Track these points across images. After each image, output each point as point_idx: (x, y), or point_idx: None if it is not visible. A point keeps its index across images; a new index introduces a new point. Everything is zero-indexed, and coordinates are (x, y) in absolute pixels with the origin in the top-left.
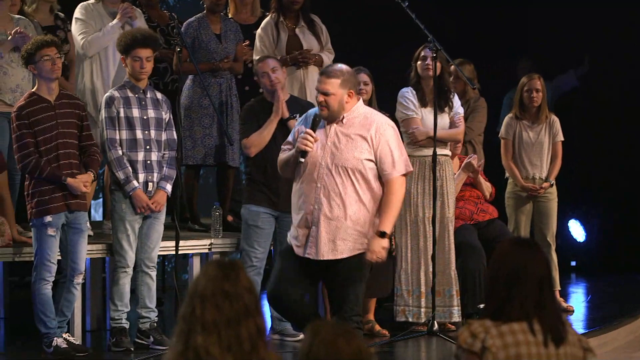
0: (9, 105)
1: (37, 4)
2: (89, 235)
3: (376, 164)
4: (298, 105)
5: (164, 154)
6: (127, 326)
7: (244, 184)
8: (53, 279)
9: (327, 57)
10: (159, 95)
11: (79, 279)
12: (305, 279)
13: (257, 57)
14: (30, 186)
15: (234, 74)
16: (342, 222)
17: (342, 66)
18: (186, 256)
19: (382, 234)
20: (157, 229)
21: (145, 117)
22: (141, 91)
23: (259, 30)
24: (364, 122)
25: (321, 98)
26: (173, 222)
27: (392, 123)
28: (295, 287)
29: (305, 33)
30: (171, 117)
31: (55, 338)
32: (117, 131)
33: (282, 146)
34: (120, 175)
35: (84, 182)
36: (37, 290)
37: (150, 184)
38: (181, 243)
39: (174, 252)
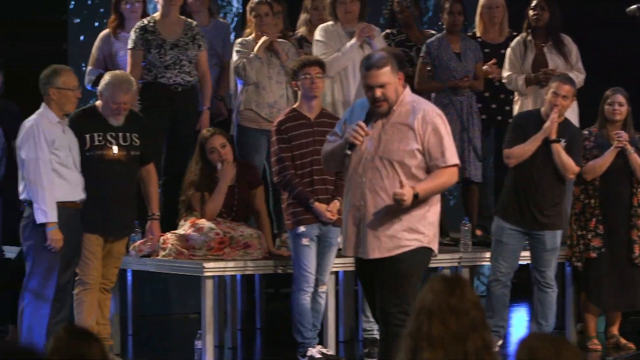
0: (265, 120)
1: (309, 27)
2: (340, 249)
3: (423, 155)
4: (568, 129)
5: None
6: (378, 337)
7: (502, 193)
8: (312, 289)
9: (576, 77)
10: None
11: (323, 289)
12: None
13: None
14: (287, 198)
15: (475, 92)
16: (387, 217)
17: (382, 53)
18: (436, 269)
19: (416, 196)
20: None
21: None
22: None
23: (508, 49)
24: (411, 111)
25: (378, 93)
26: None
27: (440, 112)
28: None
29: (552, 52)
30: None
31: (309, 348)
32: None
33: (327, 136)
34: None
35: (330, 209)
36: (295, 300)
37: None
38: None
39: None
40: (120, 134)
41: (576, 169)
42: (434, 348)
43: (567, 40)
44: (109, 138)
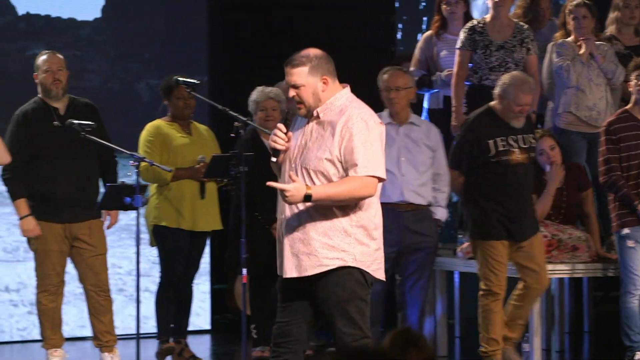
0: (584, 123)
1: (619, 26)
2: None
3: (342, 163)
4: None
5: None
6: None
7: None
8: (639, 292)
9: None
10: None
11: None
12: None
13: None
14: (613, 200)
15: None
16: (305, 233)
17: (309, 51)
18: None
19: (308, 197)
20: None
21: None
22: None
23: None
24: (338, 115)
25: (292, 92)
26: None
27: (368, 117)
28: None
29: None
30: None
31: (637, 352)
32: None
33: None
34: None
35: None
36: (622, 304)
37: None
38: None
39: None
40: (520, 137)
41: None
42: None
43: None
44: (511, 142)
